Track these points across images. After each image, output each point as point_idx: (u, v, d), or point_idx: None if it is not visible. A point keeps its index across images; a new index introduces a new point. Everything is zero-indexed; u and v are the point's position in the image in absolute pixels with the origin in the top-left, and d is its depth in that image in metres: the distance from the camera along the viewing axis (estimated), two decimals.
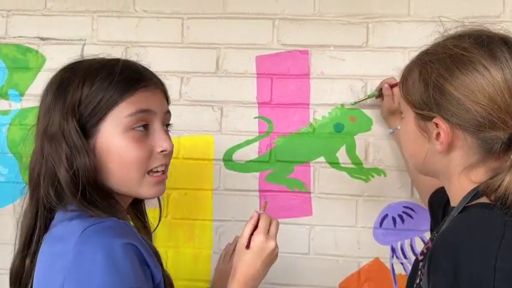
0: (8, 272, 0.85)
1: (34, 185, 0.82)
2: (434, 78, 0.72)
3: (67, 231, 0.72)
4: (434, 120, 0.73)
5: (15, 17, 1.43)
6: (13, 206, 1.39)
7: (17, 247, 0.85)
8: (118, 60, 0.85)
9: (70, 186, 0.77)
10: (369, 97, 1.27)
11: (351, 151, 1.33)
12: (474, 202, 0.71)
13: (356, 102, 1.29)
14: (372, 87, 1.33)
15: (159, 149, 0.83)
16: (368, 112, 1.33)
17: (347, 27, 1.35)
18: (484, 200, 0.70)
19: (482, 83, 0.68)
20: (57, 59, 1.41)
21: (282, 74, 1.37)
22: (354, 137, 1.33)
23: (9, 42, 1.43)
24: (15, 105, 1.42)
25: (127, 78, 0.81)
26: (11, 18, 1.44)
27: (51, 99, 0.82)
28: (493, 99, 0.67)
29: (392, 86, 1.21)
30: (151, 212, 1.37)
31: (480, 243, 0.63)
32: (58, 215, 0.79)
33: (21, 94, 1.42)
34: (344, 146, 1.33)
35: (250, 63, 1.38)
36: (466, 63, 0.70)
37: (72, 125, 0.78)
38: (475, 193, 0.71)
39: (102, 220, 0.73)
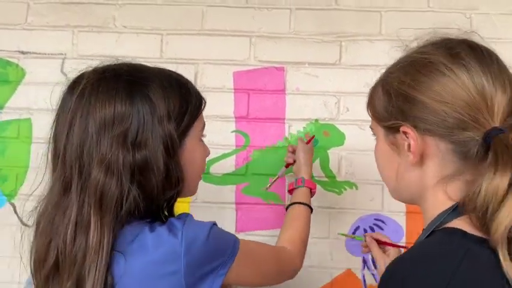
0: None
1: (112, 196, 0.73)
2: (395, 86, 0.69)
3: (157, 238, 0.73)
4: (402, 128, 0.68)
5: None
6: None
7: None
8: (175, 73, 0.87)
9: (161, 194, 0.78)
10: (356, 239, 1.27)
11: (324, 164, 1.37)
12: (445, 226, 0.64)
13: (344, 235, 1.30)
14: (345, 103, 1.38)
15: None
16: (341, 127, 1.38)
17: (321, 45, 1.40)
18: (457, 223, 0.63)
19: (446, 82, 0.64)
20: (37, 72, 1.43)
21: (258, 90, 1.41)
22: (328, 151, 1.38)
23: None
24: None
25: (198, 94, 0.88)
26: None
27: (128, 103, 0.75)
28: (459, 97, 0.62)
29: (379, 243, 1.09)
30: None
31: (428, 278, 0.56)
32: (128, 228, 0.75)
33: (1, 107, 1.43)
34: (318, 159, 1.38)
35: (227, 78, 1.42)
36: (426, 65, 0.66)
37: (173, 133, 0.78)
38: (449, 213, 0.64)
39: (183, 217, 0.78)
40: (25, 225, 1.40)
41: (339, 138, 1.38)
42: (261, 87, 1.41)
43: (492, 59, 0.65)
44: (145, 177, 0.75)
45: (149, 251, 0.72)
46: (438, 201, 0.66)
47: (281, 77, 1.41)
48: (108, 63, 0.83)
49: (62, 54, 1.43)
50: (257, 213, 1.37)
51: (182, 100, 0.81)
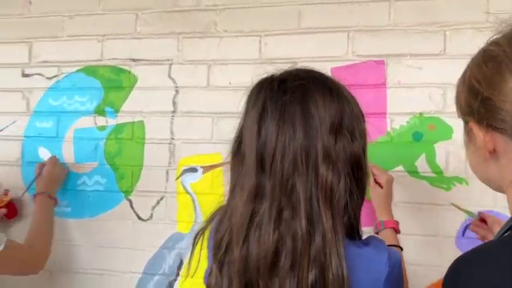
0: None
1: (340, 192, 0.74)
2: (467, 78, 0.67)
3: (367, 259, 0.75)
4: (469, 124, 0.67)
5: (109, 41, 1.59)
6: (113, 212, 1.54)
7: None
8: None
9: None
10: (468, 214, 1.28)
11: (431, 160, 1.32)
12: None
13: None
14: (451, 94, 1.32)
15: None
16: (448, 120, 1.32)
17: (424, 36, 1.36)
18: None
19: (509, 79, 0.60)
20: (147, 78, 1.54)
21: (358, 85, 1.39)
22: (434, 145, 1.33)
23: (104, 64, 1.59)
24: (111, 121, 1.57)
25: None
26: (106, 43, 1.59)
27: (340, 101, 0.78)
28: None
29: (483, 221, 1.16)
30: None
31: (480, 282, 0.56)
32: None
33: (116, 111, 1.56)
34: (424, 154, 1.33)
35: None
36: (496, 62, 0.62)
37: (366, 130, 0.85)
38: None
39: (378, 238, 0.85)
40: (141, 219, 1.52)
41: (446, 132, 1.32)
42: (360, 81, 1.39)
43: None
44: (359, 174, 0.78)
45: (359, 270, 0.73)
46: None
47: (381, 70, 1.38)
48: (288, 68, 0.85)
49: (169, 60, 1.53)
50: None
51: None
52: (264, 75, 0.83)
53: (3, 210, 1.53)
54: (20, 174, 1.64)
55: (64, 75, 1.62)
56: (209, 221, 0.85)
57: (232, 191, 0.80)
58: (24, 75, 1.66)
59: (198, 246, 0.84)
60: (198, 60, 1.50)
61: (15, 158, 1.64)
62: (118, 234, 1.53)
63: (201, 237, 0.85)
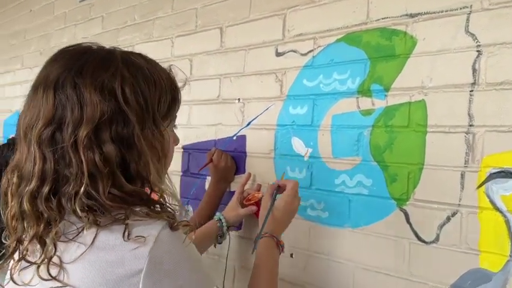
0: None
1: None
2: None
3: None
4: None
5: None
6: (381, 224, 1.15)
7: None
8: None
9: None
10: None
11: None
12: None
13: None
14: None
15: None
16: None
17: None
18: None
19: None
20: (432, 39, 1.08)
21: None
22: None
23: (370, 27, 1.20)
24: (380, 103, 1.17)
25: None
26: None
27: None
28: None
29: None
30: None
31: None
32: None
33: (387, 89, 1.15)
34: None
35: None
36: None
37: None
38: None
39: None
40: (421, 240, 1.08)
41: None
42: None
43: None
44: None
45: None
46: None
47: None
48: None
49: (466, 7, 1.03)
50: None
51: None
52: None
53: (254, 208, 1.34)
54: (273, 168, 1.42)
55: (320, 48, 1.31)
56: None
57: None
58: (278, 54, 1.42)
59: None
60: None
61: (269, 149, 1.43)
62: (388, 256, 1.13)
63: None
